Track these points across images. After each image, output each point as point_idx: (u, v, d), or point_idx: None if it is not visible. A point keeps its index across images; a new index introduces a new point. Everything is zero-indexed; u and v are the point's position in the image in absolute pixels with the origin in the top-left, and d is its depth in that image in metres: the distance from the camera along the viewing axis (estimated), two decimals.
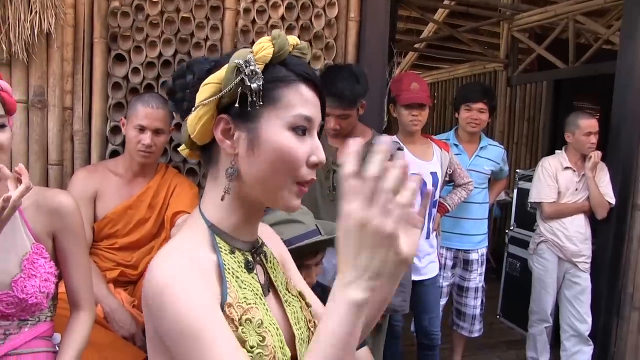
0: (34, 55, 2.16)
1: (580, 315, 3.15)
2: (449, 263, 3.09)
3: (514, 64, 6.04)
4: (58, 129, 2.24)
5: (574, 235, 3.12)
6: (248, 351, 0.81)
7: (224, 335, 0.77)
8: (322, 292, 1.93)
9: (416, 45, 7.21)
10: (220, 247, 0.89)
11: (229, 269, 0.87)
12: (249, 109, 0.85)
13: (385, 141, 0.68)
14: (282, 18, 2.47)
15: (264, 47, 0.86)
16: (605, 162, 3.17)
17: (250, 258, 0.94)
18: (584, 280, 3.16)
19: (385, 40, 2.57)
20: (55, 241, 1.47)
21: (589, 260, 3.17)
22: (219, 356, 0.75)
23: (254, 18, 2.43)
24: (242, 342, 0.82)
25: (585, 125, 3.06)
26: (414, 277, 2.74)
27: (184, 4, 2.35)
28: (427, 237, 2.75)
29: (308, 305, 1.06)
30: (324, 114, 0.94)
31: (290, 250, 1.34)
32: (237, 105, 0.85)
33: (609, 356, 3.33)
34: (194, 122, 0.89)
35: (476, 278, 3.10)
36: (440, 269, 2.96)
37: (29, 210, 1.43)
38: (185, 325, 0.76)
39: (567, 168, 3.16)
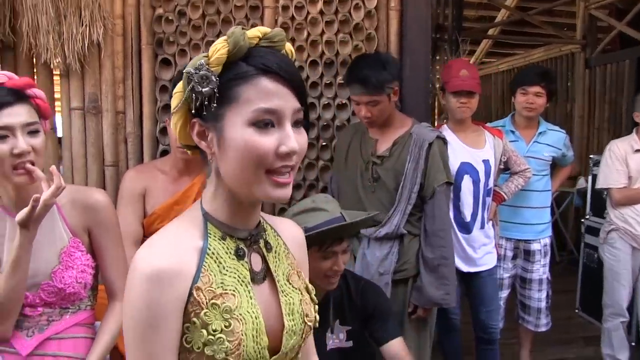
0: (87, 65, 2.32)
1: None
2: (509, 254, 2.97)
3: (593, 44, 5.71)
4: (112, 132, 2.38)
5: None
6: (210, 334, 0.85)
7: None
8: (355, 281, 1.93)
9: (490, 32, 6.99)
10: (210, 233, 0.92)
11: (212, 254, 0.91)
12: (212, 110, 0.88)
13: None
14: (321, 12, 2.49)
15: (217, 49, 0.88)
16: None
17: (242, 246, 0.96)
18: None
19: (428, 28, 2.52)
20: (91, 236, 1.58)
21: None
22: None
23: (292, 15, 2.47)
24: (205, 325, 0.85)
25: None
26: (470, 269, 2.67)
27: (224, 5, 2.43)
28: (482, 227, 2.67)
29: (313, 301, 1.07)
30: (303, 100, 0.94)
31: (311, 237, 1.35)
32: (202, 109, 0.88)
33: None
34: (173, 127, 0.95)
35: (539, 269, 2.96)
36: (499, 260, 2.86)
37: (66, 207, 1.54)
38: (130, 321, 0.85)
39: (637, 151, 2.95)
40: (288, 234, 1.10)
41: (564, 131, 3.06)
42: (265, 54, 0.91)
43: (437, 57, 4.91)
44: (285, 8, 2.46)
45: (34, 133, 1.42)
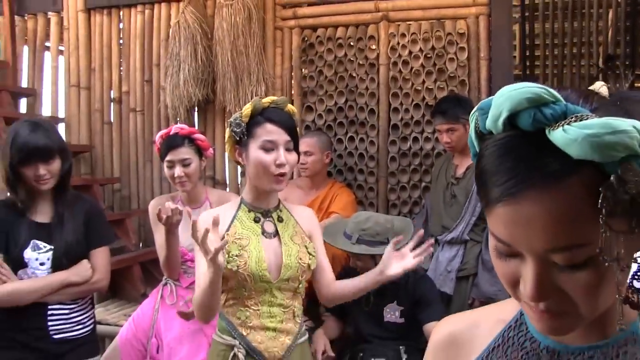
0: None
1: None
2: None
3: None
4: None
5: None
6: (230, 256, 1.68)
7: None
8: (414, 274, 2.55)
9: None
10: (241, 208, 1.79)
11: (238, 219, 1.77)
12: (243, 141, 1.74)
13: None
14: (422, 66, 3.19)
15: (246, 108, 1.74)
16: None
17: (259, 216, 1.80)
18: None
19: (511, 73, 3.05)
20: None
21: None
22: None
23: (400, 69, 3.22)
24: (228, 252, 1.69)
25: None
26: None
27: (349, 65, 3.29)
28: None
29: (310, 254, 1.83)
30: (294, 138, 1.74)
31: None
32: (239, 140, 1.75)
33: None
34: (228, 152, 1.84)
35: None
36: None
37: (214, 204, 2.51)
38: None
39: None
40: (300, 214, 1.90)
41: None
42: (271, 111, 1.74)
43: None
44: (394, 64, 3.23)
45: (188, 165, 2.40)
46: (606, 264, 0.52)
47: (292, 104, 3.34)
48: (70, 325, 2.06)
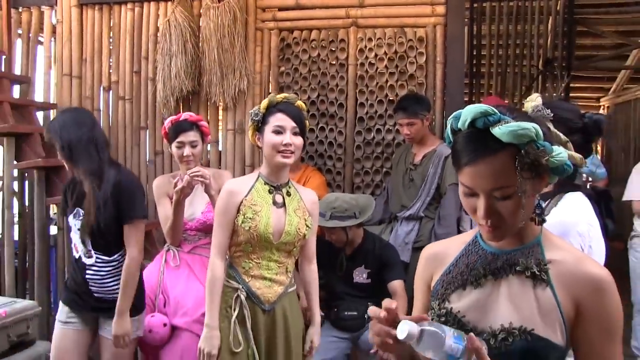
0: (237, 103, 3.80)
1: None
2: None
3: None
4: (250, 145, 3.82)
5: None
6: (244, 217, 2.13)
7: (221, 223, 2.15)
8: (379, 242, 3.04)
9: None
10: (258, 180, 2.24)
11: (256, 189, 2.21)
12: (259, 127, 2.18)
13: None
14: (386, 67, 3.66)
15: (264, 102, 2.20)
16: None
17: (272, 188, 2.24)
18: None
19: (462, 76, 3.57)
20: None
21: None
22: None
23: (367, 69, 3.69)
24: (244, 214, 2.14)
25: None
26: None
27: (322, 64, 3.74)
28: None
29: (308, 226, 2.29)
30: (299, 125, 2.19)
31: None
32: (257, 127, 2.19)
33: None
34: (250, 137, 2.28)
35: None
36: None
37: (211, 179, 2.90)
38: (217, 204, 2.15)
39: None
40: (306, 195, 2.35)
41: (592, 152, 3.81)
42: (283, 104, 2.20)
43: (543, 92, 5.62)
44: (361, 65, 3.70)
45: (195, 147, 2.83)
46: (521, 196, 1.03)
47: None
48: (106, 289, 2.45)
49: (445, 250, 1.26)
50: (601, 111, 8.83)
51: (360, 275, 3.04)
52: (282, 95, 2.27)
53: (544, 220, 1.12)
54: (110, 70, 4.08)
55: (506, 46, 5.65)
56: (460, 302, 1.15)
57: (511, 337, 1.06)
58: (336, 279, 3.06)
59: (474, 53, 5.70)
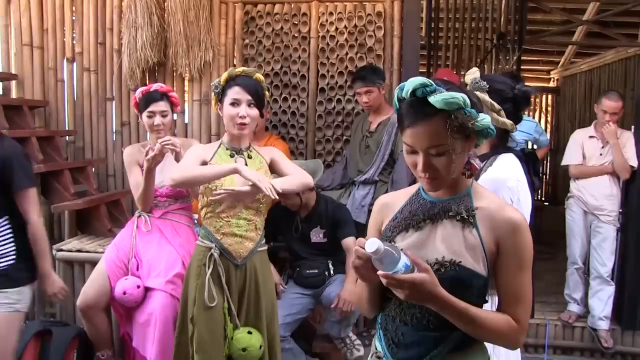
0: (203, 75, 3.90)
1: (601, 259, 3.84)
2: None
3: None
4: (216, 115, 3.94)
5: (597, 192, 3.84)
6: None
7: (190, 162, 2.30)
8: (331, 203, 3.24)
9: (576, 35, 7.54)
10: (220, 147, 2.40)
11: (219, 154, 2.37)
12: (220, 99, 2.33)
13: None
14: (346, 40, 3.82)
15: (224, 75, 2.33)
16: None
17: (233, 153, 2.39)
18: (606, 230, 3.84)
19: (417, 49, 3.71)
20: None
21: (612, 214, 3.82)
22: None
23: (328, 42, 3.84)
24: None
25: (604, 104, 3.75)
26: None
27: (285, 37, 3.87)
28: None
29: (267, 174, 2.46)
30: (255, 98, 2.34)
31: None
32: (218, 98, 2.34)
33: None
34: (214, 107, 2.42)
35: None
36: None
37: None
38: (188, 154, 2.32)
39: (591, 137, 3.89)
40: (264, 152, 2.51)
41: (535, 121, 4.09)
42: (241, 78, 2.34)
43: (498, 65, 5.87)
44: (323, 38, 3.84)
45: (165, 116, 2.94)
46: (452, 153, 1.23)
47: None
48: None
49: (393, 200, 1.46)
50: (551, 84, 9.22)
51: (317, 235, 3.23)
52: (241, 69, 2.41)
53: (472, 175, 1.34)
54: (74, 42, 4.10)
55: (462, 20, 5.84)
56: (404, 242, 1.34)
57: (443, 267, 1.26)
58: (295, 240, 3.25)
59: (432, 26, 5.89)
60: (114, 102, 4.08)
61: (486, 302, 1.35)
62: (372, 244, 1.15)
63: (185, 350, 2.40)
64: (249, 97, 2.34)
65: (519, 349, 1.75)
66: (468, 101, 1.21)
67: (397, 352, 1.36)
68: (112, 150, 4.09)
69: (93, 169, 4.01)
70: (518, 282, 1.29)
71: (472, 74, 1.49)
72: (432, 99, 1.19)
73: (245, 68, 2.42)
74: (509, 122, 1.71)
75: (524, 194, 1.76)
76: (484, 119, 1.24)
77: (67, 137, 4.14)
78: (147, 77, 3.98)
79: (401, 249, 1.19)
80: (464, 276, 1.26)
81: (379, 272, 1.18)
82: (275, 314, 2.58)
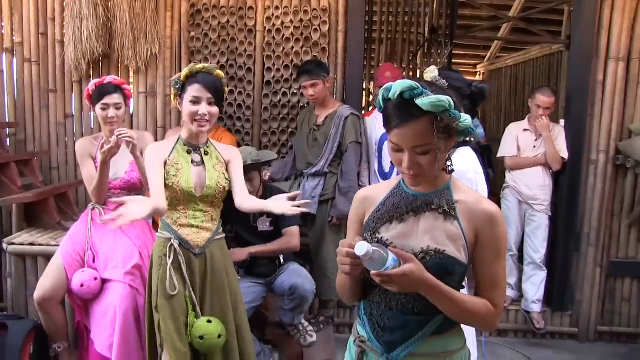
0: (149, 67, 3.92)
1: (535, 246, 4.16)
2: None
3: None
4: (162, 108, 3.98)
5: (531, 183, 4.14)
6: (169, 174, 2.37)
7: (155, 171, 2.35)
8: (276, 191, 3.37)
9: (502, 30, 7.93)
10: (178, 142, 2.46)
11: (177, 150, 2.44)
12: (179, 94, 2.40)
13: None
14: (292, 34, 3.94)
15: (185, 71, 2.40)
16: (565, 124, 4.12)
17: (190, 149, 2.47)
18: (539, 219, 4.14)
19: (362, 44, 3.94)
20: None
21: (545, 204, 4.13)
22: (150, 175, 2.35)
23: (274, 36, 3.95)
24: (167, 172, 2.38)
25: (538, 99, 4.05)
26: None
27: (231, 30, 3.94)
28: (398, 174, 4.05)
29: (227, 179, 2.55)
30: (215, 95, 2.42)
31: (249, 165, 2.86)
32: (178, 93, 2.40)
33: (569, 284, 4.22)
34: (173, 101, 2.49)
35: None
36: None
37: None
38: (146, 159, 2.37)
39: (525, 130, 4.19)
40: (224, 150, 2.60)
41: None
42: (201, 75, 2.41)
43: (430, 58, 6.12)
44: (269, 31, 3.95)
45: (119, 109, 2.96)
46: (436, 152, 1.34)
47: (180, 61, 3.97)
48: None
49: (374, 193, 1.55)
50: (477, 77, 9.67)
51: (264, 224, 3.34)
52: (201, 65, 2.46)
53: (453, 171, 1.47)
54: (14, 33, 4.00)
55: (396, 14, 6.06)
56: (388, 233, 1.43)
57: (428, 256, 1.36)
58: (243, 230, 3.33)
59: (367, 19, 6.07)
60: (56, 93, 4.02)
61: (464, 287, 1.49)
62: (361, 247, 1.23)
63: (154, 340, 2.47)
64: (209, 95, 2.40)
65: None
66: (453, 103, 1.29)
67: (382, 336, 1.46)
68: (55, 142, 4.03)
69: (37, 162, 3.94)
70: (495, 269, 1.41)
71: (432, 72, 1.62)
72: (419, 102, 1.27)
73: (206, 65, 2.47)
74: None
75: (482, 185, 1.95)
76: (466, 119, 1.33)
77: (7, 130, 4.04)
78: (92, 69, 3.95)
79: (387, 246, 1.30)
80: (447, 263, 1.37)
81: (372, 273, 1.28)
82: (240, 303, 2.66)
